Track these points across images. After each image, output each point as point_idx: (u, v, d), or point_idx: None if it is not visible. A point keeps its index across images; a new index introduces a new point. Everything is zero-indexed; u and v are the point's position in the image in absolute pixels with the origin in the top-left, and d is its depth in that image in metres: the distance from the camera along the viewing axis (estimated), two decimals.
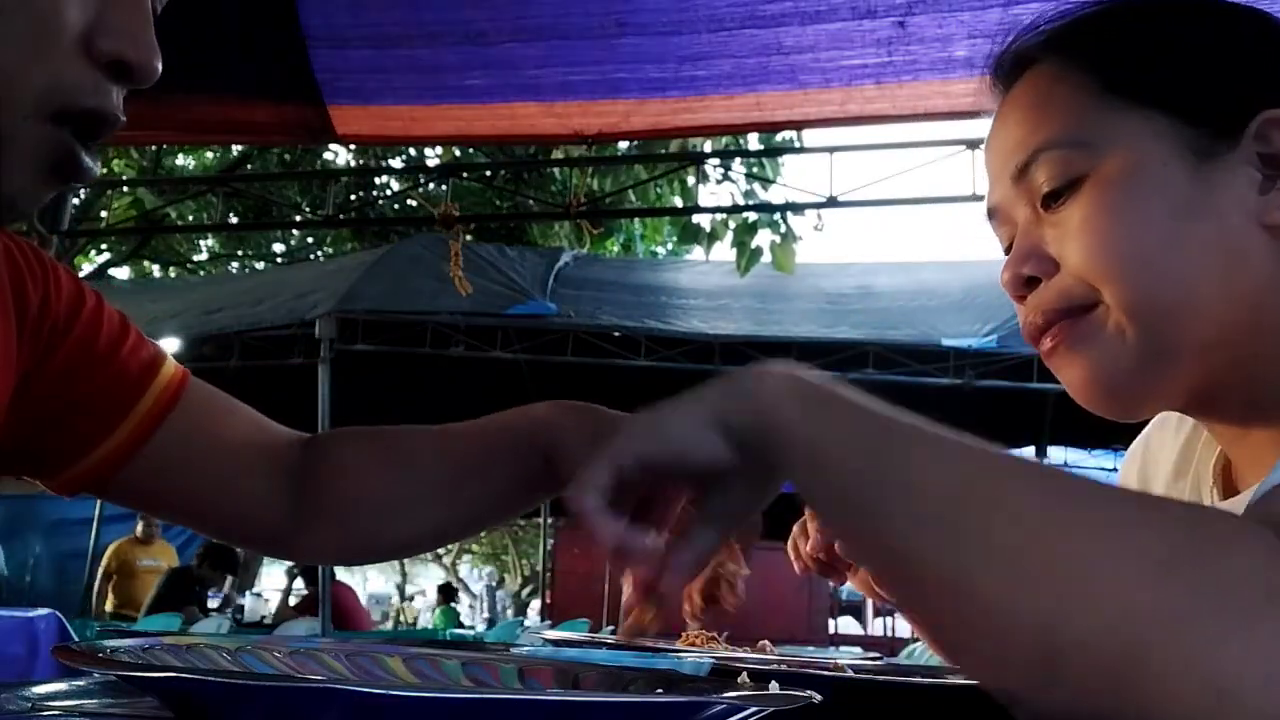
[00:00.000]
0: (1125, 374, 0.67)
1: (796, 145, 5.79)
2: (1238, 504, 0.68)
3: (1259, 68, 0.67)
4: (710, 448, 0.53)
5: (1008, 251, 0.73)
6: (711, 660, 0.66)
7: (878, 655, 1.06)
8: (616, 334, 6.20)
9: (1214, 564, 0.43)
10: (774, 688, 0.42)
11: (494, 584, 20.23)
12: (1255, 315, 0.65)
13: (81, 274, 11.11)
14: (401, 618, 17.29)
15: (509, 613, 15.31)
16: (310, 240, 12.65)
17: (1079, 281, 0.67)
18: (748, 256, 5.62)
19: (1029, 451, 8.57)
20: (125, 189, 7.64)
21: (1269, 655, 0.41)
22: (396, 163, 9.80)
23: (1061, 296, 0.68)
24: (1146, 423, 0.87)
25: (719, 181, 5.86)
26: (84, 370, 0.79)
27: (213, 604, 6.24)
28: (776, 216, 5.59)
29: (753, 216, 5.64)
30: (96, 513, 7.29)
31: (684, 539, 0.56)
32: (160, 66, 0.61)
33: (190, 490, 0.85)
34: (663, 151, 5.49)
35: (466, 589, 19.48)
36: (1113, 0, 0.71)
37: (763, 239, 5.62)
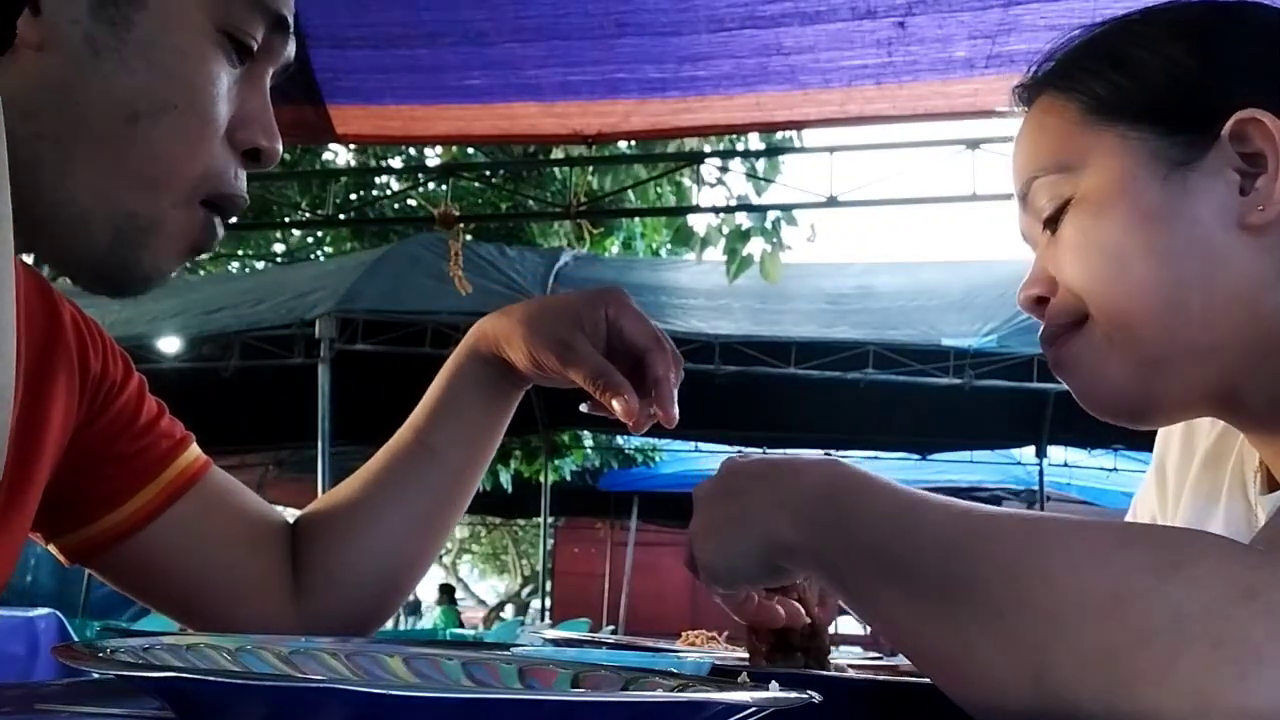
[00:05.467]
0: (1118, 384, 0.68)
1: (796, 145, 5.78)
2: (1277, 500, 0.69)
3: (1231, 70, 0.67)
4: (773, 576, 0.64)
5: None
6: (711, 660, 0.66)
7: (878, 655, 1.06)
8: None
9: (1178, 583, 0.45)
10: (774, 688, 0.42)
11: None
12: (1251, 316, 0.65)
13: None
14: (401, 618, 17.28)
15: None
16: (310, 240, 12.65)
17: (1071, 296, 0.70)
18: (738, 263, 5.61)
19: (1029, 451, 8.58)
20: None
21: (1248, 667, 0.43)
22: (396, 163, 9.80)
23: (1059, 312, 0.71)
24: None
25: (713, 185, 5.84)
26: (122, 436, 0.84)
27: None
28: (770, 225, 5.57)
29: (746, 224, 5.62)
30: None
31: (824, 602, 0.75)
32: (281, 150, 0.70)
33: (186, 578, 0.87)
34: (662, 151, 5.49)
35: (479, 600, 19.01)
36: (1097, 27, 0.73)
37: (754, 246, 5.60)
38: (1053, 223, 0.70)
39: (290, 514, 0.96)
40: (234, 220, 0.72)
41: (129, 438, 0.84)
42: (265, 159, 0.70)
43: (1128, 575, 0.46)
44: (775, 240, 5.59)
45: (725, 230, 5.67)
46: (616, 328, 0.80)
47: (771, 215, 5.58)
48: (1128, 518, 0.91)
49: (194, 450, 0.88)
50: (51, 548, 0.86)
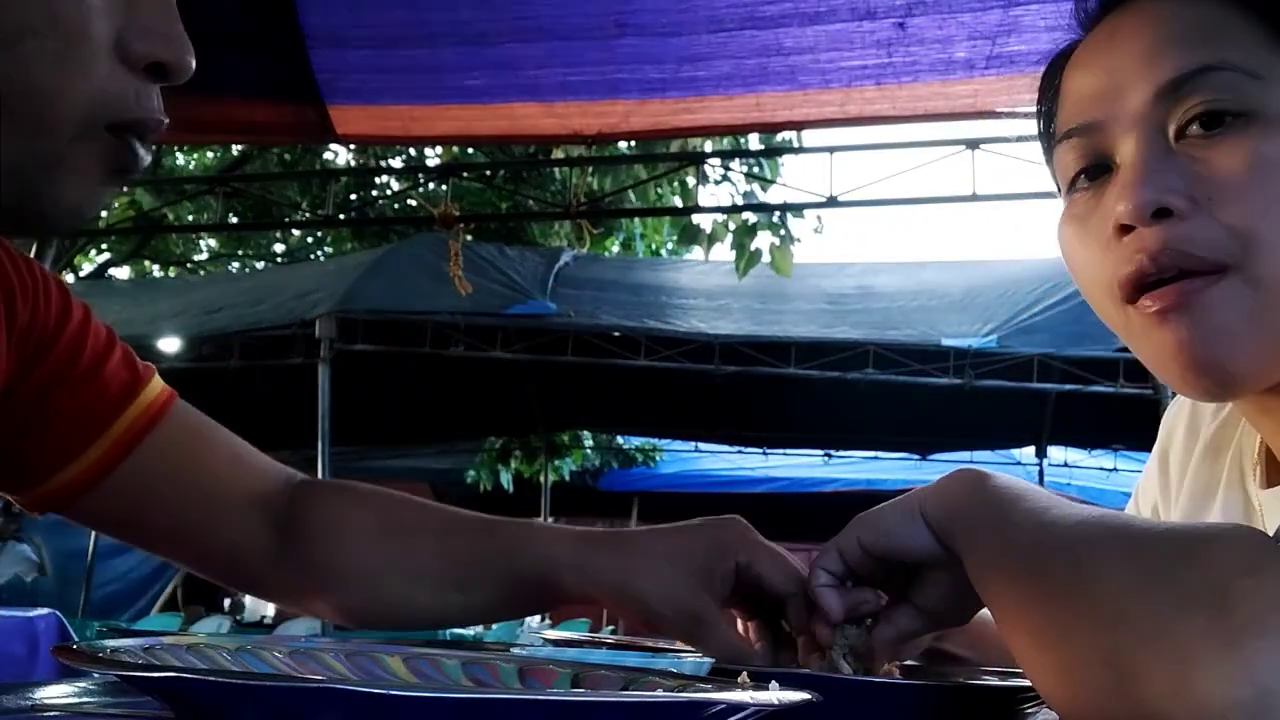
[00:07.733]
0: (1235, 354, 0.60)
1: (796, 145, 5.78)
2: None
3: None
4: (918, 537, 0.65)
5: (1075, 178, 0.66)
6: (712, 660, 0.66)
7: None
8: (616, 334, 6.19)
9: (1192, 560, 0.48)
10: (774, 688, 0.42)
11: None
12: None
13: (81, 274, 11.11)
14: None
15: None
16: (310, 240, 12.65)
17: (1227, 234, 0.59)
18: (747, 259, 5.60)
19: (1029, 451, 8.58)
20: (124, 189, 7.64)
21: (1234, 636, 0.44)
22: (396, 163, 9.80)
23: (1198, 245, 0.59)
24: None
25: (717, 183, 5.83)
26: (65, 385, 0.78)
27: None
28: (776, 218, 5.57)
29: (752, 219, 5.62)
30: None
31: (888, 617, 0.68)
32: (194, 61, 0.60)
33: (164, 519, 0.84)
34: (663, 151, 5.49)
35: None
36: None
37: (762, 241, 5.59)
38: (1210, 123, 0.60)
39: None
40: (156, 144, 0.63)
41: (69, 389, 0.78)
42: (174, 73, 0.60)
43: (1156, 561, 0.49)
44: (784, 234, 5.58)
45: (732, 226, 5.66)
46: (751, 575, 0.74)
47: (777, 211, 5.58)
48: (1128, 507, 0.91)
49: (150, 391, 0.81)
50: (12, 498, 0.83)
